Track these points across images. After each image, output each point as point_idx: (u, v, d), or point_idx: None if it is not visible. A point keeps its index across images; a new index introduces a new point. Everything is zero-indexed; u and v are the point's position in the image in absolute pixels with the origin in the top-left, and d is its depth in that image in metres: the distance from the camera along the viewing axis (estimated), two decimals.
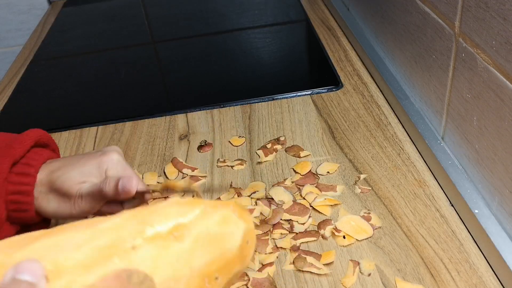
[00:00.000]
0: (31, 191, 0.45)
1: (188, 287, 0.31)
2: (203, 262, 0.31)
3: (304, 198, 0.61)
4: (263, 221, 0.58)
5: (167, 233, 0.31)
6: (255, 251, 0.55)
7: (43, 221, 0.49)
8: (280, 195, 0.61)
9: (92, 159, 0.47)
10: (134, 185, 0.44)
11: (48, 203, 0.46)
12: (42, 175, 0.46)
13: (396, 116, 0.75)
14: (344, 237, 0.55)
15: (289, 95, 0.82)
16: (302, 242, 0.55)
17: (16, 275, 0.28)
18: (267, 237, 0.56)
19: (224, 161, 0.68)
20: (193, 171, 0.67)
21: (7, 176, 0.45)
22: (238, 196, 0.62)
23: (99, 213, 0.47)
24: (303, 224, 0.57)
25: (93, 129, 0.80)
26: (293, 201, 0.60)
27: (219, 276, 0.32)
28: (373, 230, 0.56)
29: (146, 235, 0.30)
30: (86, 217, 0.48)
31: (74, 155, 0.51)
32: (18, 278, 0.28)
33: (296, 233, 0.56)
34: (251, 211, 0.59)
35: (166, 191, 0.48)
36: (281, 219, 0.58)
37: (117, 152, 0.48)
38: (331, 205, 0.60)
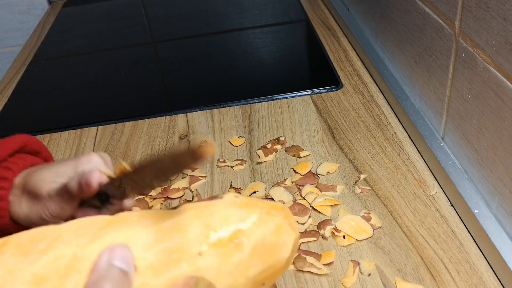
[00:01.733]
0: (5, 195, 0.42)
1: None
2: (257, 271, 0.32)
3: (304, 198, 0.61)
4: None
5: (228, 239, 0.31)
6: None
7: (18, 228, 0.44)
8: (280, 195, 0.61)
9: (71, 160, 0.43)
10: (95, 179, 0.39)
11: (20, 207, 0.43)
12: (19, 179, 0.43)
13: (396, 116, 0.75)
14: (344, 237, 0.55)
15: (289, 95, 0.82)
16: (302, 242, 0.55)
17: (111, 260, 0.28)
18: None
19: (224, 161, 0.68)
20: (193, 171, 0.67)
21: None
22: None
23: (73, 219, 0.43)
24: (303, 224, 0.57)
25: (93, 129, 0.80)
26: (293, 201, 0.60)
27: (266, 282, 0.33)
28: (373, 230, 0.56)
29: (210, 240, 0.31)
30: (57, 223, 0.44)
31: (57, 160, 0.48)
32: (113, 263, 0.28)
33: None
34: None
35: (124, 178, 0.40)
36: None
37: (100, 156, 0.44)
38: (331, 205, 0.60)
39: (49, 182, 0.42)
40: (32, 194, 0.42)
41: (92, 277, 0.28)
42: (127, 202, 0.42)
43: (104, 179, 0.40)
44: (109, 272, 0.28)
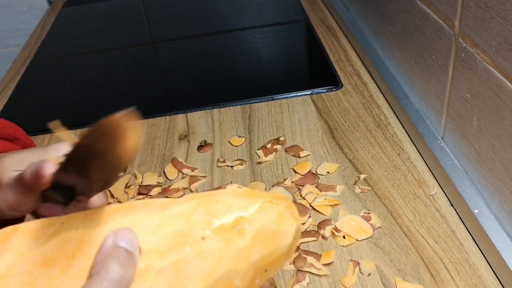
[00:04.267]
0: None
1: (244, 279, 0.33)
2: (259, 257, 0.33)
3: (304, 198, 0.61)
4: None
5: (230, 225, 0.32)
6: None
7: None
8: None
9: (40, 148, 0.40)
10: (47, 168, 0.35)
11: None
12: None
13: (396, 116, 0.75)
14: (344, 237, 0.55)
15: (289, 95, 0.82)
16: (302, 242, 0.55)
17: (117, 241, 0.29)
18: None
19: (224, 161, 0.68)
20: (193, 171, 0.67)
21: None
22: None
23: (36, 215, 0.39)
24: (303, 224, 0.57)
25: None
26: (293, 201, 0.60)
27: (268, 269, 0.34)
28: (373, 230, 0.56)
29: (213, 226, 0.32)
30: (21, 218, 0.40)
31: (32, 147, 0.43)
32: (118, 244, 0.29)
33: None
34: None
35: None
36: None
37: (69, 144, 0.39)
38: (331, 205, 0.60)
39: (10, 170, 0.38)
40: None
41: (99, 257, 0.29)
42: (96, 199, 0.38)
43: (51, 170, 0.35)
44: (115, 251, 0.29)
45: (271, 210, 0.34)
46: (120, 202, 0.62)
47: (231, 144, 0.72)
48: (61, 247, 0.30)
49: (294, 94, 0.82)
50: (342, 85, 0.84)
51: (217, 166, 0.68)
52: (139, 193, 0.64)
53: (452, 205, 0.58)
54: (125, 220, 0.32)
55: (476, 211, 0.54)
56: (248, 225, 0.33)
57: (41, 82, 0.98)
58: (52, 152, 0.38)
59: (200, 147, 0.72)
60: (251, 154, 0.70)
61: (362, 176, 0.64)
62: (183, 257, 0.31)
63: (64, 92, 0.94)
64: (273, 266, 0.35)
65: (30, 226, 0.32)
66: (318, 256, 0.53)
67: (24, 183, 0.36)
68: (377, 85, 0.82)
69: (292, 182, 0.64)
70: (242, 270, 0.32)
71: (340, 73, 0.87)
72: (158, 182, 0.66)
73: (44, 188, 0.36)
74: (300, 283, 0.51)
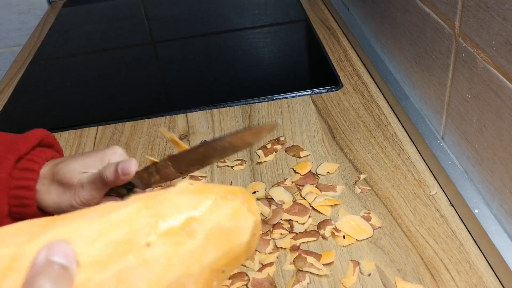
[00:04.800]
0: (34, 186, 0.46)
1: (198, 282, 0.30)
2: (213, 258, 0.31)
3: (304, 198, 0.61)
4: (263, 221, 0.58)
5: (179, 227, 0.30)
6: (255, 251, 0.55)
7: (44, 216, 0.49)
8: (280, 195, 0.61)
9: (96, 153, 0.47)
10: (134, 166, 0.43)
11: (50, 195, 0.46)
12: (45, 169, 0.47)
13: (396, 116, 0.75)
14: (344, 237, 0.55)
15: (289, 95, 0.82)
16: (302, 242, 0.55)
17: (49, 257, 0.27)
18: (267, 237, 0.56)
19: (224, 161, 0.68)
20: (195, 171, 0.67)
21: (11, 171, 0.45)
22: None
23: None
24: (303, 224, 0.57)
25: (93, 129, 0.80)
26: (293, 201, 0.60)
27: (226, 269, 0.32)
28: (373, 230, 0.56)
29: (159, 230, 0.30)
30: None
31: (79, 153, 0.52)
32: (52, 260, 0.27)
33: (296, 233, 0.56)
34: None
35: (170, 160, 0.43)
36: (281, 219, 0.58)
37: (121, 148, 0.48)
38: (331, 205, 0.60)
39: (78, 173, 0.46)
40: (62, 184, 0.46)
41: (30, 274, 0.27)
42: (149, 191, 0.45)
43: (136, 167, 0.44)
44: (47, 268, 0.27)
45: (224, 207, 0.32)
46: None
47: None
48: None
49: (294, 94, 0.82)
50: (342, 85, 0.84)
51: (217, 166, 0.68)
52: None
53: (452, 205, 0.58)
54: (61, 231, 0.29)
55: (476, 211, 0.54)
56: (198, 225, 0.30)
57: (41, 82, 0.98)
58: (109, 155, 0.46)
59: None
60: (251, 154, 0.70)
61: (362, 176, 0.64)
62: (126, 267, 0.28)
63: (64, 92, 0.94)
64: (231, 266, 0.33)
65: None
66: (318, 256, 0.53)
67: (104, 181, 0.44)
68: (377, 85, 0.82)
69: (292, 182, 0.63)
70: (194, 274, 0.30)
71: (340, 73, 0.87)
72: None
73: (123, 183, 0.44)
74: (300, 283, 0.51)
